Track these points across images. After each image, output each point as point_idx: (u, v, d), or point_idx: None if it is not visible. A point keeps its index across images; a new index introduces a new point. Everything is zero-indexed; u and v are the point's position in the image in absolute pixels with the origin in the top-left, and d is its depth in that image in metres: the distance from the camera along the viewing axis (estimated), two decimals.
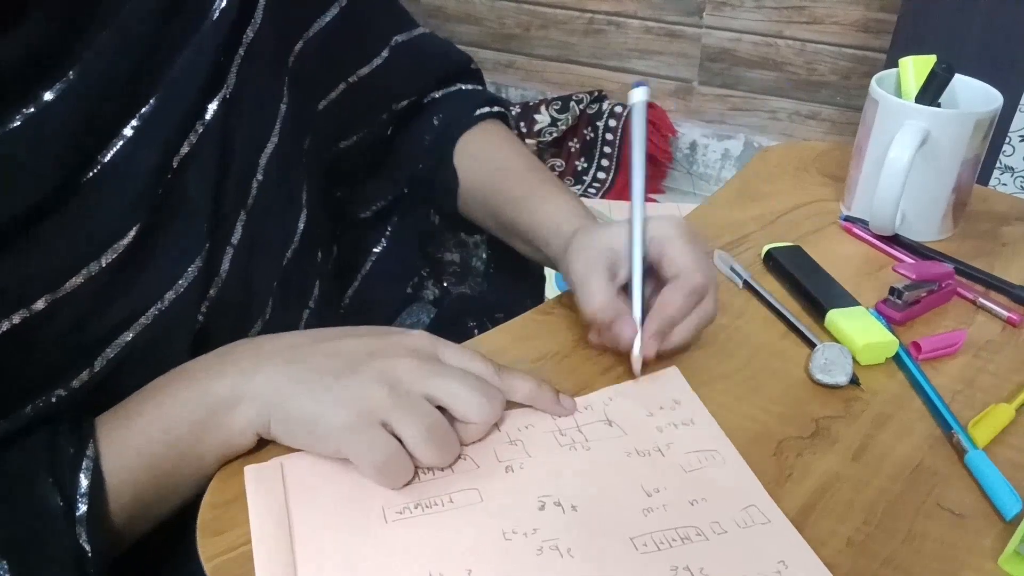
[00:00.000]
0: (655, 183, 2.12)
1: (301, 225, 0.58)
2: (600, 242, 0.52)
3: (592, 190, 2.09)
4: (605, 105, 2.09)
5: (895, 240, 0.67)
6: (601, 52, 2.11)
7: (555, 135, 2.08)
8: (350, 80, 0.64)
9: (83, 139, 0.44)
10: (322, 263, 0.62)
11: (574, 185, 2.11)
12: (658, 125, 2.06)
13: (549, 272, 0.72)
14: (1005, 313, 0.59)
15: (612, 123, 2.07)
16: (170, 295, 0.48)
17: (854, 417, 0.50)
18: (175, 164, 0.48)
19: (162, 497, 0.44)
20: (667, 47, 2.03)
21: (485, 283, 0.77)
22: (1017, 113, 1.36)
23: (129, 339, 0.46)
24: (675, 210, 2.00)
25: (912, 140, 0.61)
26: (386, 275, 0.71)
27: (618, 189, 2.08)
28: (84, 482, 0.40)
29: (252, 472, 0.44)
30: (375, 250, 0.71)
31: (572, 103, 2.08)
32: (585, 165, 2.12)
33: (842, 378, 0.51)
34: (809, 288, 0.59)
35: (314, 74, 0.60)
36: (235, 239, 0.52)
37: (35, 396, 0.43)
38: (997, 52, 1.32)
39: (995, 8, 1.33)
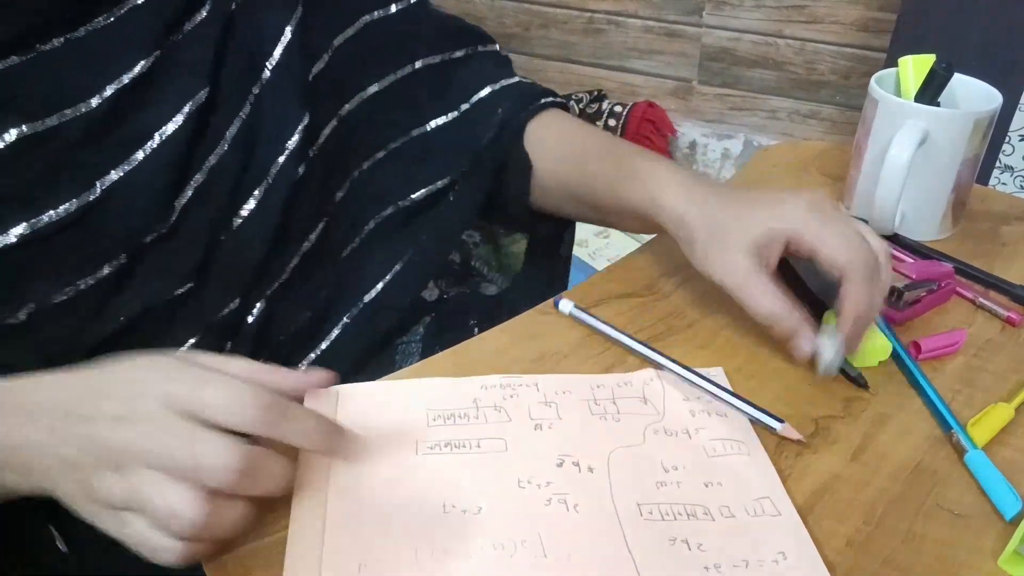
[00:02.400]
0: None
1: (300, 127, 0.57)
2: (740, 239, 0.50)
3: None
4: (605, 104, 2.09)
5: (894, 239, 0.67)
6: (601, 52, 2.11)
7: None
8: (366, 20, 0.63)
9: None
10: (324, 207, 0.62)
11: None
12: (658, 124, 2.06)
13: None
14: (1005, 312, 0.59)
15: (612, 123, 2.07)
16: (167, 130, 0.50)
17: (854, 417, 0.50)
18: (186, 27, 0.52)
19: None
20: (667, 46, 2.03)
21: (507, 282, 0.76)
22: (1017, 112, 1.36)
23: (119, 177, 0.49)
24: None
25: (911, 139, 0.61)
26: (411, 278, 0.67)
27: None
28: None
29: (311, 398, 0.47)
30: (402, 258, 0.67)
31: (572, 103, 2.08)
32: None
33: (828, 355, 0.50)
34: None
35: (329, 4, 0.61)
36: (244, 112, 0.54)
37: (30, 215, 0.46)
38: (997, 51, 1.32)
39: (995, 8, 1.33)
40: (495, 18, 2.18)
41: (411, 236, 0.67)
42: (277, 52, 0.57)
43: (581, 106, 2.08)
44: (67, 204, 0.47)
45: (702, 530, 0.41)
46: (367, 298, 0.64)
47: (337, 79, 0.62)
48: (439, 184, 0.68)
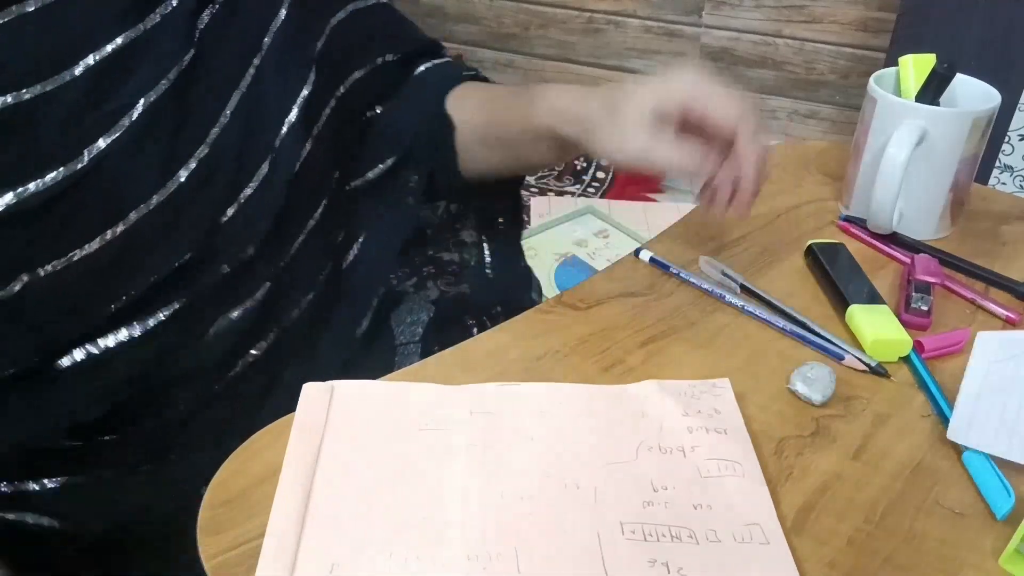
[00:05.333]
0: (655, 183, 2.12)
1: (299, 100, 0.59)
2: (636, 112, 0.54)
3: (592, 189, 2.09)
4: None
5: (893, 239, 0.67)
6: (600, 51, 2.11)
7: None
8: (352, 8, 0.66)
9: None
10: (325, 188, 0.63)
11: (574, 184, 2.11)
12: None
13: (547, 269, 0.71)
14: (1004, 312, 0.59)
15: None
16: (151, 96, 0.50)
17: (854, 416, 0.50)
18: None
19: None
20: (666, 46, 2.03)
21: (479, 281, 0.77)
22: (1016, 112, 1.36)
23: (106, 144, 0.49)
24: (674, 209, 2.00)
25: (909, 138, 0.61)
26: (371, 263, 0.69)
27: (618, 188, 2.08)
28: None
29: (307, 390, 0.49)
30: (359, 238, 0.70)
31: None
32: (584, 164, 2.12)
33: (817, 396, 0.50)
34: (838, 283, 0.59)
35: None
36: (244, 84, 0.55)
37: (16, 185, 0.46)
38: (996, 51, 1.32)
39: (994, 7, 1.33)
40: (494, 18, 2.17)
41: (369, 214, 0.69)
42: (274, 25, 0.57)
43: None
44: (54, 173, 0.47)
45: (685, 553, 0.40)
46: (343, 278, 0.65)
47: (335, 60, 0.63)
48: (388, 163, 0.69)
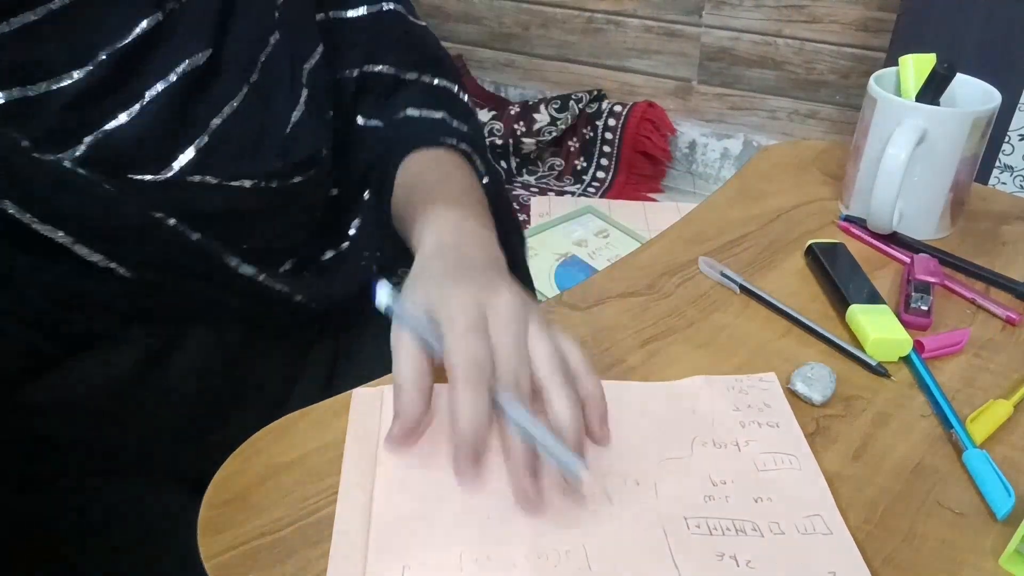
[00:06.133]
0: (655, 183, 2.12)
1: (302, 101, 0.59)
2: (417, 300, 0.47)
3: (592, 189, 2.09)
4: (604, 104, 2.09)
5: (893, 238, 0.67)
6: (600, 51, 2.11)
7: (554, 134, 2.08)
8: (328, 15, 0.65)
9: None
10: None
11: (574, 184, 2.11)
12: (657, 124, 2.06)
13: (547, 269, 0.70)
14: (1004, 312, 0.59)
15: (612, 122, 2.07)
16: (157, 88, 0.50)
17: (854, 416, 0.50)
18: None
19: None
20: (666, 46, 2.03)
21: None
22: (1016, 112, 1.36)
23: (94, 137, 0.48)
24: (674, 209, 2.00)
25: (909, 138, 0.61)
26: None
27: (617, 188, 2.08)
28: None
29: (357, 395, 0.49)
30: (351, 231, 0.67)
31: (571, 102, 2.08)
32: (584, 164, 2.12)
33: (817, 396, 0.50)
34: (839, 283, 0.59)
35: None
36: (253, 78, 0.56)
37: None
38: (996, 51, 1.32)
39: (994, 7, 1.33)
40: (495, 18, 2.18)
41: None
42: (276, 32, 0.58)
43: (581, 106, 2.08)
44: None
45: (751, 546, 0.41)
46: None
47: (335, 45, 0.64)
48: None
